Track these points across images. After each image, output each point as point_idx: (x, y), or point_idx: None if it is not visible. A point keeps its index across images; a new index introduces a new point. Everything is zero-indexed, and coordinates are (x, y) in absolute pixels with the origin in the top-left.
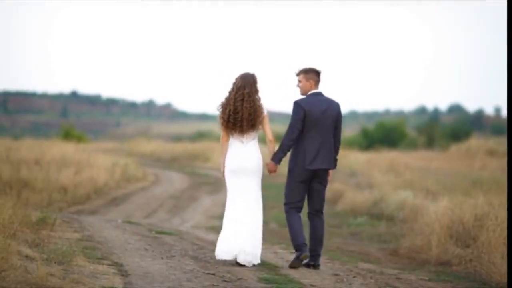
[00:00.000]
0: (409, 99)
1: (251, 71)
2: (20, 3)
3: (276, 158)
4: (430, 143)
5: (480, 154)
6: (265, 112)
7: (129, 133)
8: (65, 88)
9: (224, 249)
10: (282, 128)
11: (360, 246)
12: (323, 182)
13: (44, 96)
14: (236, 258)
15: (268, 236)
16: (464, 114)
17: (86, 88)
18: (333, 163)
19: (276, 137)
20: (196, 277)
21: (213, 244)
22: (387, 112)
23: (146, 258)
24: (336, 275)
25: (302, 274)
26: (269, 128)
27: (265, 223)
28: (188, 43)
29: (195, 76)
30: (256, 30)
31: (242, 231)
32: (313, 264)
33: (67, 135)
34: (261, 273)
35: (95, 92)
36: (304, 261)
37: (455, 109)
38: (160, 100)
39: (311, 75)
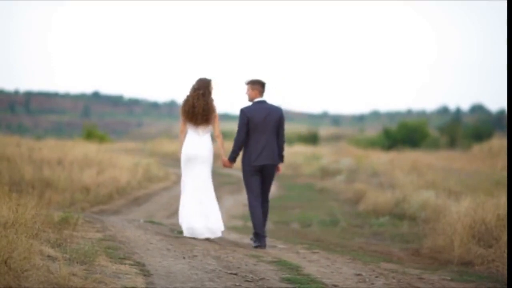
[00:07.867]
0: (431, 99)
1: (208, 77)
2: (40, 3)
3: (231, 156)
4: (452, 143)
5: (503, 154)
6: (216, 112)
7: (151, 133)
8: (87, 88)
9: (187, 225)
10: (298, 128)
11: (382, 246)
12: (270, 175)
13: (67, 96)
14: (192, 234)
15: (290, 236)
16: (487, 114)
17: (108, 88)
18: (279, 159)
19: (308, 137)
20: (218, 277)
21: (235, 244)
22: (409, 112)
23: (168, 258)
24: (359, 275)
25: (324, 274)
26: (217, 126)
27: (287, 223)
28: (210, 44)
29: (217, 77)
30: (281, 32)
31: (194, 211)
32: (260, 245)
33: (89, 135)
34: (283, 273)
35: (117, 92)
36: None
37: (478, 109)
38: (182, 100)
39: (256, 86)
